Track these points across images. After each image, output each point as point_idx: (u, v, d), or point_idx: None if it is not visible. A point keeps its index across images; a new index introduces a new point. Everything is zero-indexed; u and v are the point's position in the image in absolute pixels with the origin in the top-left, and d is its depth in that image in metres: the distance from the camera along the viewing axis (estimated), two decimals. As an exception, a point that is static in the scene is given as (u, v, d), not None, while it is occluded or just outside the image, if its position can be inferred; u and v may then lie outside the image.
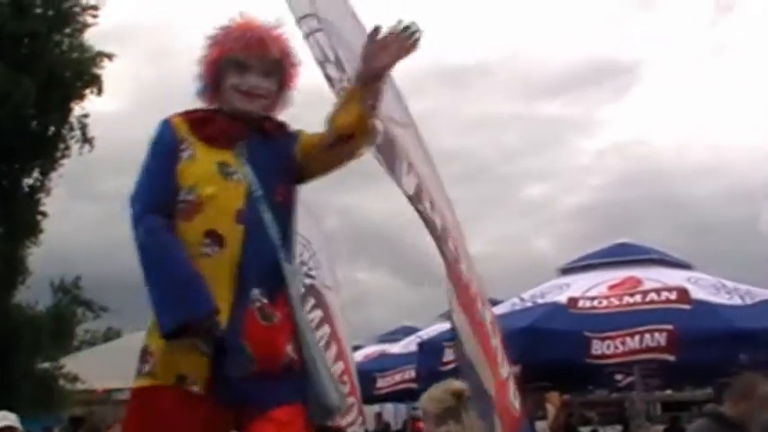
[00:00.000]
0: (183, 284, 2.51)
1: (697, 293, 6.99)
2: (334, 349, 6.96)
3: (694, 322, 6.56)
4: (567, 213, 53.15)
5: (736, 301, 7.14)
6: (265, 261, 2.60)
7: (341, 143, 2.69)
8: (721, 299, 7.11)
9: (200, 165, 2.65)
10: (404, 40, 2.61)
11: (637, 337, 6.56)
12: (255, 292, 2.57)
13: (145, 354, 2.61)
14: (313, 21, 3.67)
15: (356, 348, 10.77)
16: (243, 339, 2.53)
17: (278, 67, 2.77)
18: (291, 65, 2.82)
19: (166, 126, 2.74)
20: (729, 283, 7.59)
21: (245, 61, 2.71)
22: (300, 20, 3.65)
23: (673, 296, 6.89)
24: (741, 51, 52.07)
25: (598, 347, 6.65)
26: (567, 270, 8.59)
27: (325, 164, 2.81)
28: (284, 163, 2.75)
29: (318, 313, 6.94)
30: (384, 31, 2.61)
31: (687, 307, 6.75)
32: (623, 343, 6.59)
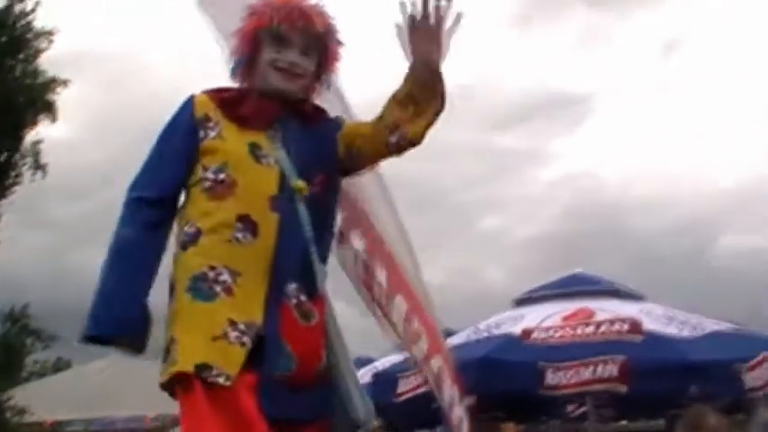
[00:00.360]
0: (119, 296, 2.32)
1: (649, 325, 7.07)
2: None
3: (646, 354, 6.63)
4: (520, 244, 53.49)
5: (687, 332, 7.23)
6: (301, 254, 2.38)
7: (407, 147, 2.54)
8: (673, 330, 7.19)
9: (230, 145, 2.42)
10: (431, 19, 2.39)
11: (590, 368, 6.60)
12: (292, 287, 2.36)
13: (171, 343, 2.34)
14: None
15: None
16: (281, 337, 2.32)
17: (319, 45, 2.54)
18: (334, 43, 2.59)
19: (186, 104, 2.50)
20: (681, 315, 7.69)
21: (284, 35, 2.48)
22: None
23: (625, 327, 6.96)
24: (689, 86, 53.15)
25: (552, 378, 6.69)
26: (522, 301, 8.64)
27: (373, 157, 2.62)
28: (323, 151, 2.51)
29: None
30: (414, 14, 2.39)
31: (639, 338, 6.82)
32: (577, 373, 6.63)
